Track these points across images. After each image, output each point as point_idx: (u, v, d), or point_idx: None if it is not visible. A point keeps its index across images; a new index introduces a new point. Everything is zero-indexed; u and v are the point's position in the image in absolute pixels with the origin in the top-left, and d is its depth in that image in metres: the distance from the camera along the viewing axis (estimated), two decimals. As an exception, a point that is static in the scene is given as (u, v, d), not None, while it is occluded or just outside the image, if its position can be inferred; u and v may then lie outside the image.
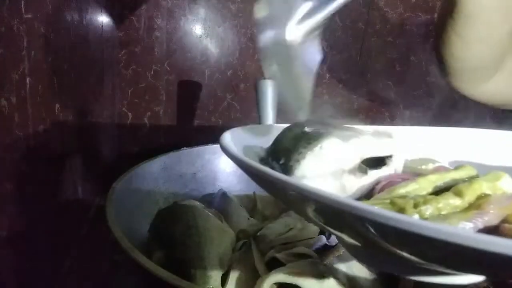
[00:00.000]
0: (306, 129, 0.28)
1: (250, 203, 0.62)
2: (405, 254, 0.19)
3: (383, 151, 0.29)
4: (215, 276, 0.40)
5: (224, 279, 0.41)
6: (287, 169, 0.26)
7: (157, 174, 0.56)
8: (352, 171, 0.27)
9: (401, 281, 0.36)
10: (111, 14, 0.76)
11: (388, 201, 0.23)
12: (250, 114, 0.93)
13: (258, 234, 0.46)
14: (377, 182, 0.28)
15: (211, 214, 0.49)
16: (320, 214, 0.21)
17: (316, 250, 0.41)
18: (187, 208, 0.48)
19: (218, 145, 0.72)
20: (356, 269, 0.37)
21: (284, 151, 0.27)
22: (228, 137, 0.30)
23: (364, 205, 0.17)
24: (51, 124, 0.43)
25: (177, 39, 0.85)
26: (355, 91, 0.97)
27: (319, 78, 0.92)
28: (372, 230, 0.18)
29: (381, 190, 0.27)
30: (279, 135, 0.29)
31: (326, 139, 0.26)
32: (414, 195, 0.24)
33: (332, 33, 0.92)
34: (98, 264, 0.51)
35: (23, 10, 0.34)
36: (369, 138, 0.29)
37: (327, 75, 0.92)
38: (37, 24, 0.38)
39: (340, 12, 0.91)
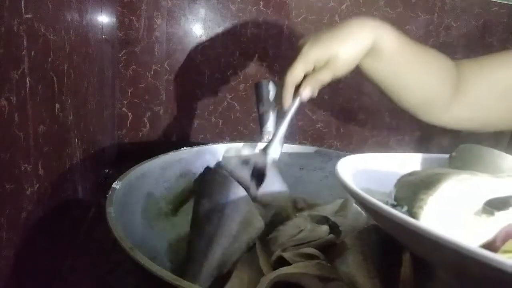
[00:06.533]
0: (421, 176, 0.29)
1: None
2: None
3: (506, 191, 0.29)
4: (206, 274, 0.41)
5: (227, 278, 0.40)
6: (411, 216, 0.26)
7: (157, 174, 0.56)
8: (477, 214, 0.27)
9: (401, 281, 0.36)
10: (111, 14, 0.76)
11: None
12: (250, 114, 0.93)
13: (270, 236, 0.46)
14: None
15: (245, 197, 0.44)
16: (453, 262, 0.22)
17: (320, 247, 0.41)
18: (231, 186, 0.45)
19: (218, 145, 0.72)
20: (358, 269, 0.37)
21: (406, 199, 0.27)
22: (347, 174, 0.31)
23: None
24: (51, 124, 0.43)
25: (177, 39, 0.85)
26: (355, 90, 0.97)
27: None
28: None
29: (505, 238, 0.26)
30: (396, 183, 0.30)
31: (445, 182, 0.27)
32: None
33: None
34: (98, 264, 0.50)
35: (23, 10, 0.34)
36: (489, 178, 0.29)
37: (327, 75, 0.92)
38: (37, 24, 0.38)
39: (340, 12, 0.91)
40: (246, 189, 0.45)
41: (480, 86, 0.55)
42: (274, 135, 0.51)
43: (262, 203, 0.45)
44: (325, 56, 0.48)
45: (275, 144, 0.51)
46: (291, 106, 0.51)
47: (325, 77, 0.49)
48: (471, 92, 0.55)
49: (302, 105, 0.52)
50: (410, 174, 0.30)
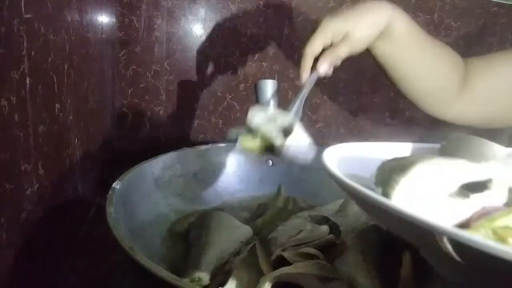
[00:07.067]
0: (400, 160, 0.30)
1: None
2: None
3: (482, 175, 0.30)
4: (207, 265, 0.42)
5: (226, 278, 0.41)
6: (385, 196, 0.28)
7: (157, 174, 0.56)
8: (451, 196, 0.28)
9: (401, 281, 0.36)
10: (111, 14, 0.76)
11: (490, 231, 0.25)
12: (250, 114, 0.92)
13: (269, 236, 0.46)
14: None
15: (228, 216, 0.51)
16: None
17: (321, 248, 0.41)
18: (211, 213, 0.51)
19: (218, 145, 0.73)
20: (357, 269, 0.37)
21: (382, 181, 0.29)
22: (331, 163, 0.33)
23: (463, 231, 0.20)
24: (51, 124, 0.43)
25: (177, 39, 0.85)
26: (355, 90, 0.97)
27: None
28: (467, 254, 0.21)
29: (478, 218, 0.27)
30: (378, 167, 0.32)
31: (418, 165, 0.28)
32: None
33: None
34: (98, 264, 0.50)
35: (23, 10, 0.34)
36: (465, 163, 0.30)
37: (327, 75, 0.92)
38: (37, 24, 0.38)
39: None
40: (272, 142, 0.47)
41: (486, 82, 0.56)
42: (291, 106, 0.51)
43: (285, 156, 0.46)
44: (342, 30, 0.50)
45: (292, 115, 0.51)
46: (308, 80, 0.52)
47: (342, 52, 0.51)
48: (478, 88, 0.56)
49: (318, 79, 0.52)
50: (391, 160, 0.31)
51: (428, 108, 0.59)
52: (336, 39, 0.50)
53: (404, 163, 0.29)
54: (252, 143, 0.49)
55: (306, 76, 0.52)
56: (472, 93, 0.57)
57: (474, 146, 0.36)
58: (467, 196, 0.28)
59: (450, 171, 0.29)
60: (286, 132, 0.48)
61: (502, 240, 0.24)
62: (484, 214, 0.28)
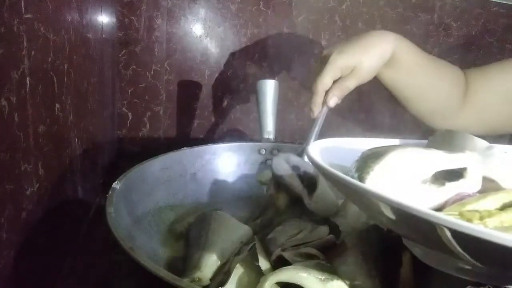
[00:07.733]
0: (377, 149, 0.32)
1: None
2: (466, 256, 0.24)
3: (456, 163, 0.31)
4: (207, 266, 0.42)
5: (226, 279, 0.41)
6: (360, 181, 0.30)
7: (157, 174, 0.56)
8: (424, 182, 0.30)
9: (401, 281, 0.36)
10: (111, 14, 0.76)
11: (457, 213, 0.26)
12: (250, 114, 0.93)
13: (269, 236, 0.46)
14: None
15: (228, 216, 0.51)
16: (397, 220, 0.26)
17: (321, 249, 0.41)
18: (210, 213, 0.51)
19: (218, 145, 0.73)
20: (357, 269, 0.37)
21: (359, 167, 0.31)
22: (315, 154, 0.35)
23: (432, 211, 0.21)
24: (51, 124, 0.43)
25: (177, 39, 0.85)
26: (355, 90, 0.97)
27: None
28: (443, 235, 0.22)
29: (452, 204, 0.29)
30: (358, 157, 0.33)
31: (392, 153, 0.30)
32: (482, 210, 0.26)
33: (332, 33, 0.92)
34: (98, 264, 0.50)
35: (23, 10, 0.34)
36: (439, 152, 0.31)
37: (327, 75, 0.92)
38: (37, 24, 0.38)
39: (340, 12, 0.91)
40: (297, 195, 0.48)
41: (484, 91, 0.58)
42: (307, 143, 0.53)
43: (314, 211, 0.48)
44: (351, 64, 0.52)
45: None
46: (320, 113, 0.54)
47: (351, 84, 0.53)
48: (477, 98, 0.59)
49: (329, 111, 0.55)
50: (370, 149, 0.33)
51: (430, 122, 0.62)
52: (345, 73, 0.52)
53: (379, 151, 0.31)
54: (279, 199, 0.51)
55: (318, 111, 0.54)
56: (472, 104, 0.59)
57: (456, 140, 0.38)
58: (442, 184, 0.30)
59: (422, 160, 0.30)
60: (310, 181, 0.49)
61: (469, 221, 0.25)
62: (458, 200, 0.29)
